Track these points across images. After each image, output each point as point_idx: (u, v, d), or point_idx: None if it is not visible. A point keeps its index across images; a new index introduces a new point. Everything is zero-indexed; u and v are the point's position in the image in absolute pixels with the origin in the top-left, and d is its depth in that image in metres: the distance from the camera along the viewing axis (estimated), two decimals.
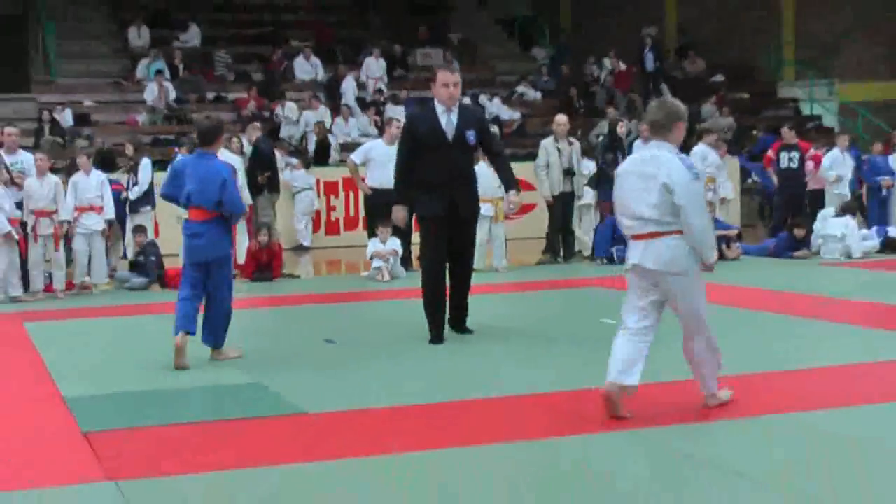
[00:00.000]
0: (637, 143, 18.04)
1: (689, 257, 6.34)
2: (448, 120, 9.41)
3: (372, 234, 15.01)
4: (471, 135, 9.42)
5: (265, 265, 14.81)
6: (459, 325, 9.78)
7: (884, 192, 19.28)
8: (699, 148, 17.40)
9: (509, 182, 9.78)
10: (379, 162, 15.01)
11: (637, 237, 6.41)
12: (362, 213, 19.23)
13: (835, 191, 18.25)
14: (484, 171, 15.05)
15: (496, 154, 10.06)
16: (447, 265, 9.63)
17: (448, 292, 9.64)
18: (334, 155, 22.20)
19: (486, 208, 15.11)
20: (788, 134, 18.27)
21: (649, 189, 6.28)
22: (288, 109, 23.37)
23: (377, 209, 14.75)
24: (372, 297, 12.87)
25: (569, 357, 8.55)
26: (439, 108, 9.44)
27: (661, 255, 6.32)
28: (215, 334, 8.73)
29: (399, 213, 9.58)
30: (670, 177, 6.21)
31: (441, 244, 9.46)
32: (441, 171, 9.38)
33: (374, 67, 26.03)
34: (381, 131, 19.26)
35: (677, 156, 6.34)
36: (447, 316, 9.64)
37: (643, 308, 6.50)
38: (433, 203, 9.39)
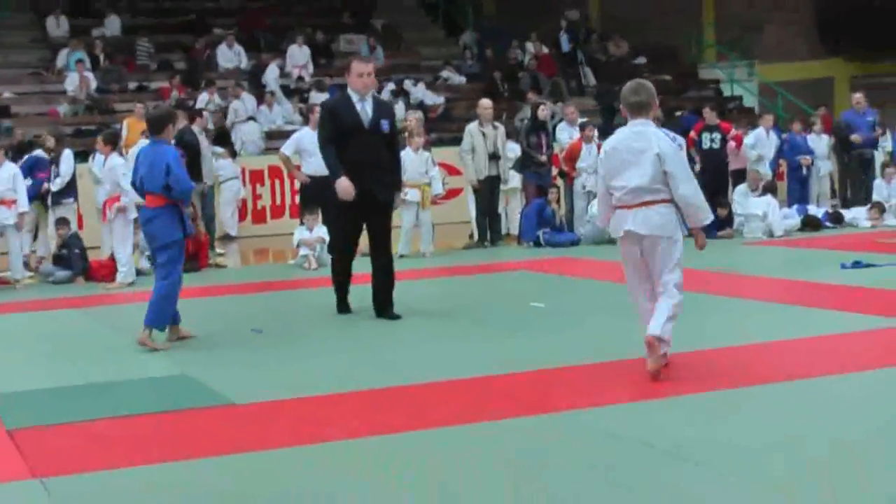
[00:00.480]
0: (562, 125, 18.15)
1: (677, 224, 7.02)
2: (363, 108, 9.80)
3: (302, 222, 14.97)
4: (385, 123, 9.86)
5: (191, 255, 14.65)
6: (386, 311, 9.90)
7: (803, 170, 19.56)
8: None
9: (399, 178, 10.29)
10: (311, 150, 14.92)
11: (628, 206, 6.99)
12: (288, 201, 19.15)
13: (755, 168, 18.46)
14: (410, 157, 15.14)
15: (396, 151, 10.32)
16: (371, 261, 10.05)
17: (372, 280, 10.02)
18: (259, 143, 22.04)
19: (412, 194, 15.17)
20: (710, 115, 18.42)
21: (640, 162, 6.90)
22: (217, 98, 23.16)
23: (315, 197, 14.74)
24: (299, 286, 12.81)
25: (499, 341, 8.55)
26: (354, 97, 9.82)
27: (652, 221, 6.94)
28: (154, 313, 8.80)
29: (344, 183, 9.67)
30: (660, 148, 6.89)
31: (352, 227, 9.99)
32: (357, 157, 9.72)
33: (298, 55, 25.89)
34: (305, 119, 19.15)
35: (660, 130, 6.93)
36: (373, 304, 10.01)
37: (644, 281, 7.14)
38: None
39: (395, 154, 10.22)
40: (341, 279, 10.26)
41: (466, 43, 29.23)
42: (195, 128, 15.84)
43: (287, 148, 15.50)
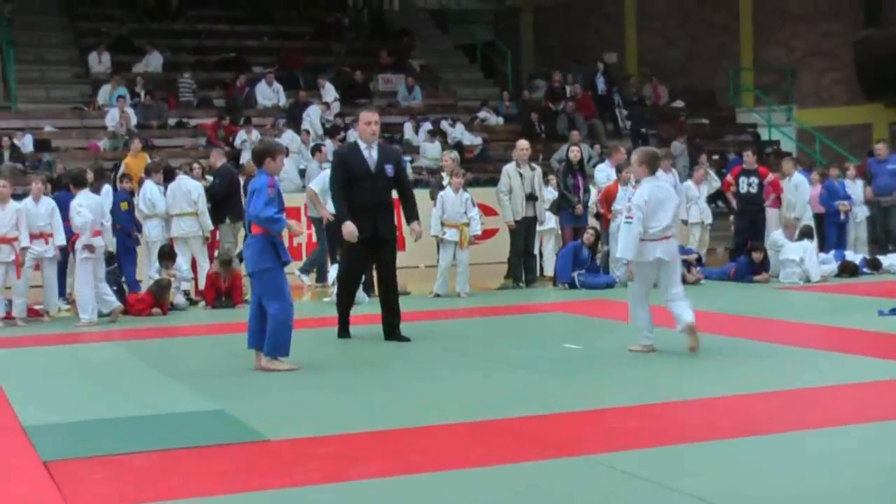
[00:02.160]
0: (601, 166, 18.15)
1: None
2: (370, 154, 10.87)
3: (335, 259, 15.01)
4: (389, 168, 10.90)
5: (226, 290, 14.77)
6: (395, 334, 10.98)
7: (841, 216, 19.48)
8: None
9: (412, 215, 11.11)
10: None
11: (658, 239, 9.59)
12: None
13: (791, 215, 18.41)
14: (450, 198, 15.22)
15: (407, 190, 11.32)
16: (376, 284, 11.50)
17: (381, 306, 11.16)
18: (296, 180, 22.18)
19: (451, 233, 15.23)
20: (749, 159, 18.42)
21: (666, 206, 9.64)
22: (255, 136, 23.33)
23: (339, 235, 14.81)
24: (334, 323, 12.82)
25: (531, 382, 8.55)
26: (362, 145, 10.93)
27: (672, 250, 9.73)
28: (268, 341, 9.33)
29: (349, 227, 10.74)
30: (677, 197, 9.66)
31: (359, 260, 11.12)
32: (365, 198, 10.80)
33: (326, 93, 26.02)
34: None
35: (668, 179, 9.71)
36: (382, 328, 11.09)
37: (647, 295, 9.88)
38: (358, 225, 10.76)
39: (405, 193, 11.22)
40: (346, 306, 11.27)
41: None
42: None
43: (316, 184, 15.60)
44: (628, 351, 9.78)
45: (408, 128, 25.72)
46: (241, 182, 16.55)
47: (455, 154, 16.93)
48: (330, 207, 15.16)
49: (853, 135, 28.64)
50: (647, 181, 9.69)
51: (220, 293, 14.70)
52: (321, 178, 15.55)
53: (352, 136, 23.06)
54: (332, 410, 7.62)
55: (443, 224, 15.37)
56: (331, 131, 24.50)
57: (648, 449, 6.19)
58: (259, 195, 9.29)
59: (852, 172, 20.35)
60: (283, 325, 9.33)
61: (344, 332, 11.26)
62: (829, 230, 19.56)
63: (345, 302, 11.34)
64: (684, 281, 15.90)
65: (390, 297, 11.16)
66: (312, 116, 24.72)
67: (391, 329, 11.09)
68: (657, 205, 9.56)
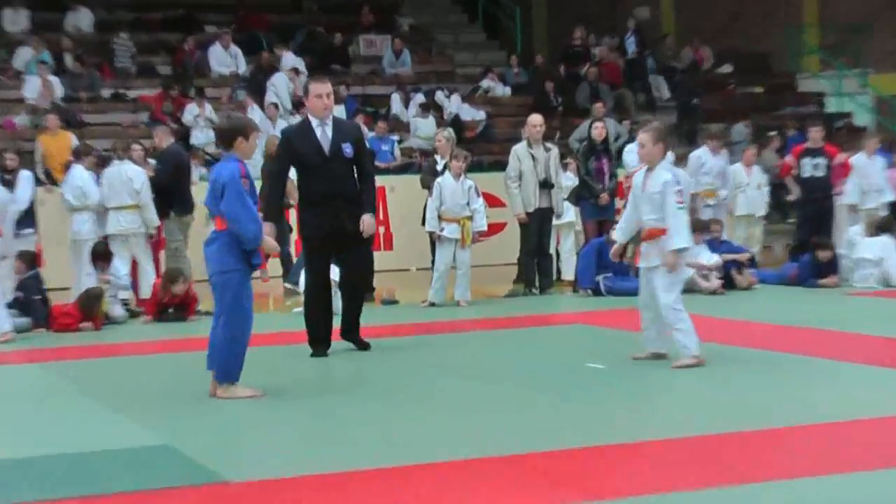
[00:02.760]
0: (631, 146, 18.15)
1: None
2: (323, 133, 11.03)
3: None
4: (347, 148, 10.94)
5: (179, 302, 14.69)
6: (350, 334, 11.48)
7: None
8: (697, 151, 17.62)
9: (367, 204, 11.22)
10: None
11: None
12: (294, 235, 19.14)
13: (865, 205, 18.39)
14: (450, 185, 15.21)
15: (366, 174, 11.42)
16: (341, 287, 11.58)
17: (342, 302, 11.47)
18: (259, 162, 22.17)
19: (450, 229, 15.20)
20: (815, 136, 18.39)
21: None
22: (209, 111, 23.38)
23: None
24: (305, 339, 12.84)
25: (546, 409, 8.56)
26: (314, 122, 11.08)
27: None
28: (217, 363, 9.27)
29: (268, 241, 10.09)
30: None
31: (324, 264, 11.26)
32: (321, 187, 10.89)
33: (285, 61, 25.98)
34: None
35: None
36: (342, 328, 11.47)
37: None
38: (316, 221, 11.05)
39: (362, 176, 11.25)
40: (317, 316, 11.28)
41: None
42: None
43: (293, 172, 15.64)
44: (672, 368, 9.80)
45: (395, 100, 25.75)
46: (192, 167, 16.59)
47: (450, 132, 16.92)
48: None
49: None
50: (663, 167, 10.13)
51: (174, 303, 14.63)
52: None
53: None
54: (303, 446, 7.62)
55: (440, 218, 15.34)
56: (298, 106, 24.52)
57: (704, 490, 6.20)
58: (230, 189, 9.13)
59: None
60: (234, 344, 9.24)
61: (319, 347, 11.31)
62: None
63: (314, 315, 11.38)
64: (734, 285, 16.05)
65: (350, 301, 11.54)
66: (279, 86, 24.73)
67: (347, 331, 11.48)
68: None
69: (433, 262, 15.69)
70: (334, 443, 7.68)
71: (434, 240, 15.60)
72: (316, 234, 11.14)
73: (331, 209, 10.95)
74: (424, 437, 7.75)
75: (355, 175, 11.20)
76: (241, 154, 9.31)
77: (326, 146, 10.98)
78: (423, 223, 15.63)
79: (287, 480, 6.66)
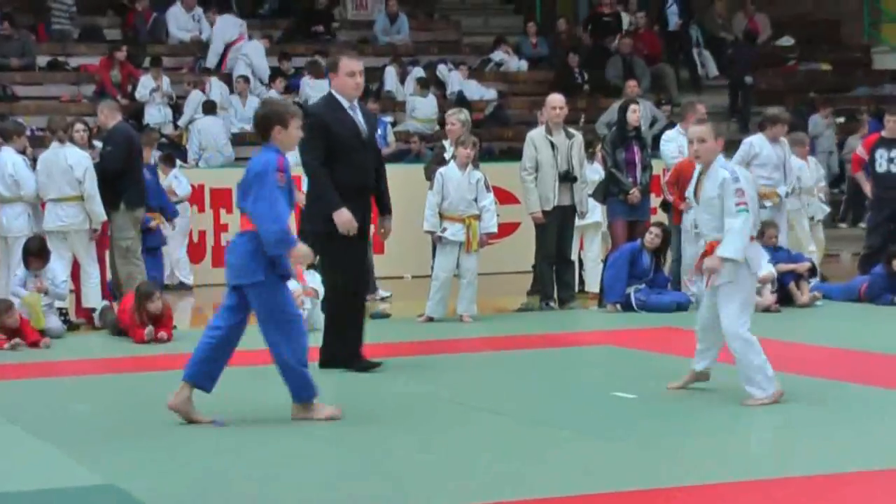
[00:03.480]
0: (671, 133, 18.15)
1: None
2: (357, 116, 11.40)
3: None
4: (379, 137, 10.60)
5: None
6: (359, 360, 11.57)
7: None
8: (750, 138, 17.57)
9: (386, 204, 11.84)
10: None
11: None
12: None
13: None
14: (454, 178, 15.18)
15: (383, 168, 11.99)
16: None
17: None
18: (225, 149, 22.24)
19: (453, 230, 15.17)
20: (892, 123, 18.36)
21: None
22: (167, 85, 23.44)
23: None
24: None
25: (565, 448, 8.60)
26: (344, 103, 11.39)
27: None
28: (287, 383, 9.56)
29: (345, 216, 10.96)
30: None
31: (358, 263, 11.49)
32: (356, 177, 11.17)
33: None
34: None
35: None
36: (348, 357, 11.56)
37: None
38: (348, 217, 11.16)
39: (384, 172, 11.82)
40: (347, 327, 11.53)
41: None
42: None
43: None
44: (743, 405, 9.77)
45: (390, 74, 25.76)
46: (145, 152, 16.63)
47: (466, 115, 16.86)
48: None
49: None
50: (726, 162, 10.25)
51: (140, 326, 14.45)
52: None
53: (306, 90, 23.21)
54: (271, 485, 7.67)
55: (441, 216, 15.30)
56: (272, 80, 24.55)
57: None
58: (257, 182, 9.28)
59: None
60: (294, 359, 9.45)
61: (362, 363, 11.60)
62: None
63: (341, 327, 11.63)
64: (792, 301, 16.04)
65: (362, 323, 11.72)
66: (252, 56, 24.75)
67: (354, 354, 11.56)
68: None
69: (433, 268, 15.71)
70: (306, 482, 7.72)
71: (434, 242, 15.62)
72: (351, 230, 11.27)
73: (361, 204, 11.33)
74: (417, 477, 7.79)
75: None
76: (281, 145, 9.47)
77: (364, 132, 11.35)
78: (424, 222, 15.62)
79: None
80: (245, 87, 23.77)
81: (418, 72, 25.56)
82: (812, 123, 24.05)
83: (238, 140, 22.56)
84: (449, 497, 7.26)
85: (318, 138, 11.16)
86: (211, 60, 25.05)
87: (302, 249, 9.55)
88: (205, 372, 9.49)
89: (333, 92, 11.54)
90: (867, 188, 18.52)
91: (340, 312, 11.64)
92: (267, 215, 9.19)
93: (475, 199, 15.28)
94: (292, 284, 14.47)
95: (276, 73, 24.76)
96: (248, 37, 25.34)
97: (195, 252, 20.23)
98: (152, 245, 17.35)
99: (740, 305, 9.84)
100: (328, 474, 7.98)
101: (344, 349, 11.51)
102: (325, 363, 11.47)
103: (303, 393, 9.50)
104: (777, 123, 17.73)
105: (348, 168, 11.10)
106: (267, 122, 9.51)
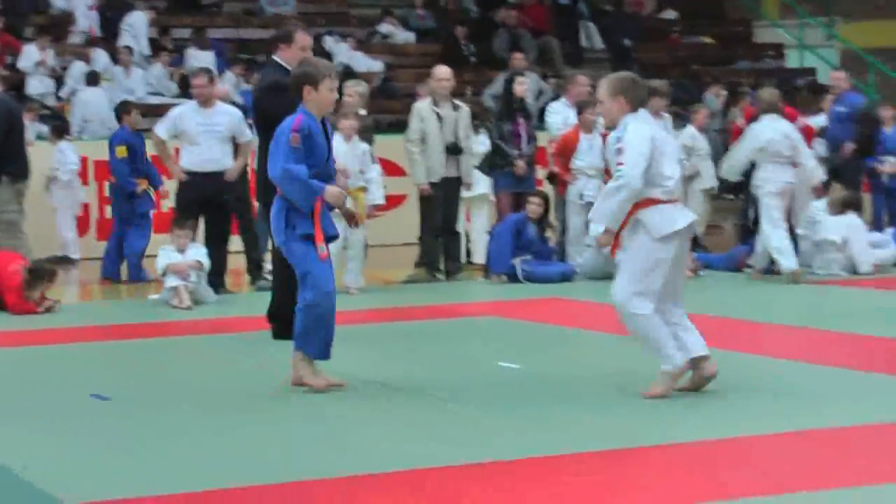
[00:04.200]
0: (555, 105, 18.21)
1: None
2: None
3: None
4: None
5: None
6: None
7: (884, 178, 19.54)
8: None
9: None
10: (193, 134, 15.31)
11: (674, 201, 9.07)
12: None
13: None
14: (339, 150, 15.07)
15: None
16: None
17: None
18: (109, 122, 21.99)
19: None
20: (770, 96, 18.49)
21: (672, 156, 9.18)
22: (51, 57, 23.15)
23: (193, 202, 15.23)
24: (165, 332, 12.81)
25: (447, 417, 8.60)
26: None
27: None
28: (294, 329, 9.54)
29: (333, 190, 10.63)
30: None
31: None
32: None
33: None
34: (184, 90, 19.20)
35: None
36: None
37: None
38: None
39: None
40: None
41: None
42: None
43: (162, 128, 15.60)
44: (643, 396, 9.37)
45: None
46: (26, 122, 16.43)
47: (364, 87, 16.79)
48: (184, 161, 15.31)
49: None
50: (633, 119, 8.99)
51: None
52: (170, 119, 15.61)
53: (192, 61, 23.02)
54: (150, 464, 7.61)
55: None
56: (156, 52, 24.32)
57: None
58: (277, 144, 9.31)
59: None
60: (308, 312, 9.36)
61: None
62: (876, 200, 19.77)
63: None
64: None
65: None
66: (137, 26, 24.51)
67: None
68: (667, 147, 9.16)
69: None
70: (188, 460, 7.67)
71: None
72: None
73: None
74: (295, 454, 7.76)
75: None
76: (314, 107, 9.39)
77: None
78: None
79: (137, 501, 6.66)
80: (129, 58, 23.53)
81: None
82: (707, 101, 24.16)
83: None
84: (331, 467, 7.22)
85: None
86: (82, 24, 24.86)
87: (332, 191, 9.45)
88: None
89: (282, 62, 11.59)
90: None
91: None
92: (271, 168, 9.28)
93: (361, 171, 15.24)
94: (176, 256, 14.47)
95: (157, 44, 24.53)
96: (132, 7, 25.10)
97: (79, 225, 20.03)
98: (142, 210, 17.23)
99: (629, 275, 8.97)
100: (196, 450, 7.93)
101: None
102: (278, 329, 11.51)
103: (307, 344, 9.41)
104: (655, 96, 17.79)
105: None
106: (297, 82, 9.48)
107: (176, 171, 15.49)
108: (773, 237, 15.71)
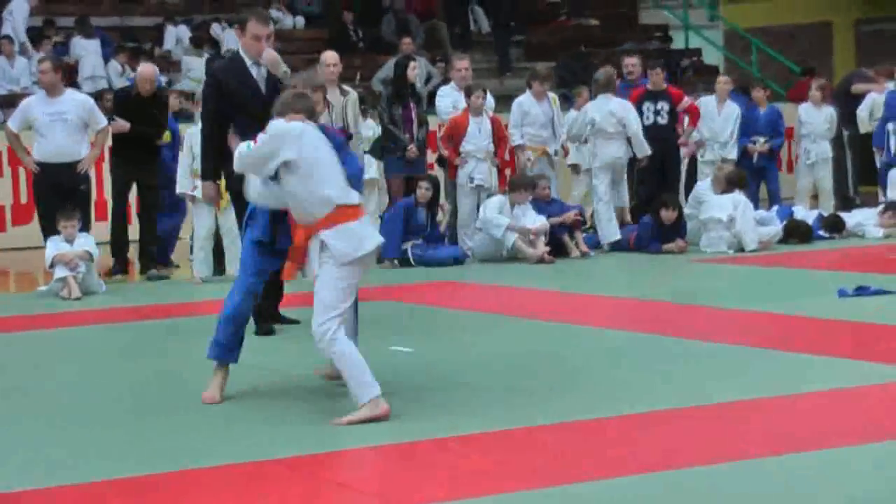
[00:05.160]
0: (445, 89, 18.19)
1: None
2: (259, 72, 11.39)
3: (51, 230, 14.81)
4: None
5: None
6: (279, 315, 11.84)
7: (754, 158, 19.70)
8: (520, 98, 17.66)
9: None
10: (45, 124, 15.00)
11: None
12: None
13: (704, 157, 18.88)
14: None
15: None
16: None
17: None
18: None
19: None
20: (656, 77, 18.58)
21: None
22: None
23: (48, 194, 14.96)
24: (53, 323, 12.67)
25: (335, 402, 8.54)
26: (248, 61, 11.42)
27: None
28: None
29: (209, 189, 11.27)
30: None
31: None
32: (250, 131, 10.29)
33: None
34: (69, 78, 18.98)
35: None
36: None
37: None
38: None
39: None
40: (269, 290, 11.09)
41: None
42: None
43: (14, 121, 15.35)
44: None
45: (171, 34, 25.52)
46: None
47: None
48: (37, 153, 15.06)
49: (803, 38, 29.25)
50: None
51: None
52: (20, 111, 15.43)
53: (77, 49, 22.80)
54: (54, 451, 7.53)
55: (196, 176, 15.04)
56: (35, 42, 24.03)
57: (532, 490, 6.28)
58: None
59: (817, 95, 20.57)
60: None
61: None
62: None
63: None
64: (565, 254, 16.21)
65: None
66: (16, 15, 24.22)
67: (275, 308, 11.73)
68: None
69: (193, 228, 15.50)
70: (75, 448, 7.59)
71: (189, 202, 15.48)
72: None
73: None
74: (177, 442, 7.76)
75: None
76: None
77: (263, 86, 11.34)
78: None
79: (18, 494, 6.61)
80: (10, 48, 23.22)
81: (185, 31, 25.37)
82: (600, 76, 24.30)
83: (6, 102, 22.03)
84: (187, 451, 7.24)
85: (211, 95, 11.42)
86: None
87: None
88: None
89: (241, 50, 11.63)
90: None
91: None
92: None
93: None
94: (65, 246, 14.29)
95: (41, 33, 24.26)
96: None
97: None
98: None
99: (322, 302, 8.05)
100: (124, 432, 7.86)
101: (267, 304, 11.51)
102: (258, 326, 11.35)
103: (212, 348, 9.03)
104: (537, 80, 17.82)
105: (246, 124, 10.63)
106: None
107: (28, 162, 15.22)
108: (600, 209, 17.10)
